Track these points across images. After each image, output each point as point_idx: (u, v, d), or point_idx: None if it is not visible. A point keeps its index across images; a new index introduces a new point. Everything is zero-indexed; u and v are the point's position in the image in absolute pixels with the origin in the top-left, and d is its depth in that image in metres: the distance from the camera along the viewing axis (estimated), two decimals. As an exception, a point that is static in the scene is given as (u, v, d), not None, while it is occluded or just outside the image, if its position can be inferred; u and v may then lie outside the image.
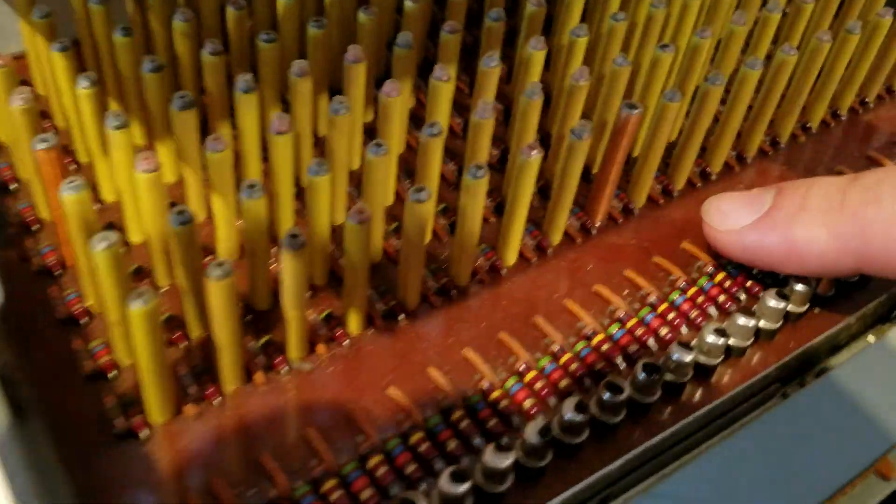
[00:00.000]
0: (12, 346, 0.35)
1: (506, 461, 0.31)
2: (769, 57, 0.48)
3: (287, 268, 0.33)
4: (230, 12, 0.44)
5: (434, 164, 0.39)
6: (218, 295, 0.31)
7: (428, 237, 0.42)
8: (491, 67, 0.43)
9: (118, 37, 0.40)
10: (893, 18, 0.50)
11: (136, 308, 0.29)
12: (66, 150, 0.43)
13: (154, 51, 0.45)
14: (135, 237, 0.40)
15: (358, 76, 0.41)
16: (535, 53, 0.44)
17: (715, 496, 0.34)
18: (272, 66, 0.42)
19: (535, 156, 0.38)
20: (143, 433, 0.33)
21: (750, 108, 0.47)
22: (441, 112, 0.42)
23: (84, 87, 0.38)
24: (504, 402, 0.35)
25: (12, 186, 0.42)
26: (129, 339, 0.32)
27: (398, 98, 0.40)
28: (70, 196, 0.32)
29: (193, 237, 0.33)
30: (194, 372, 0.35)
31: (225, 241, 0.39)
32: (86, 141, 0.41)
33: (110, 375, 0.35)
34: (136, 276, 0.39)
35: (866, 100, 0.54)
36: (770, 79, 0.46)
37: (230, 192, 0.37)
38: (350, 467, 0.33)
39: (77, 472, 0.32)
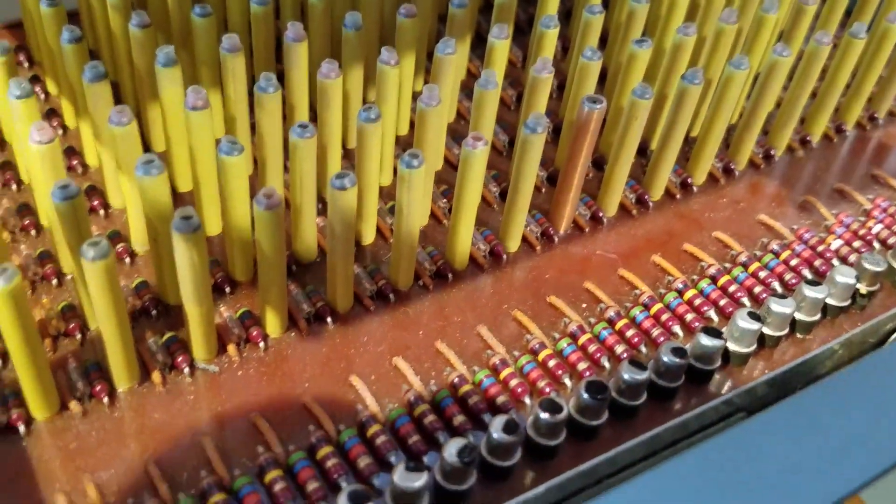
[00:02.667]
0: None
1: (417, 482, 0.27)
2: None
3: (183, 255, 0.29)
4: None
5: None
6: (96, 279, 0.28)
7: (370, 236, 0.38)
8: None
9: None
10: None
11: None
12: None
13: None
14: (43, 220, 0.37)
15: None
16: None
17: None
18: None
19: (481, 147, 0.34)
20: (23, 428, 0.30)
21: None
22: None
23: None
24: (429, 418, 0.31)
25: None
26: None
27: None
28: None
29: (81, 214, 0.29)
30: (86, 368, 0.32)
31: (135, 230, 0.36)
32: None
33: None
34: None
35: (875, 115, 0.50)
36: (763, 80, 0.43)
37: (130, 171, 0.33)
38: (241, 482, 0.29)
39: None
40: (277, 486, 0.28)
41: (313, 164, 0.34)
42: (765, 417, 0.32)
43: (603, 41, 0.48)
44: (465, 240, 0.37)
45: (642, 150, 0.44)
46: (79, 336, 0.33)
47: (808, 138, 0.48)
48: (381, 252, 0.38)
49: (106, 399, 0.31)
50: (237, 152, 0.32)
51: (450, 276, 0.37)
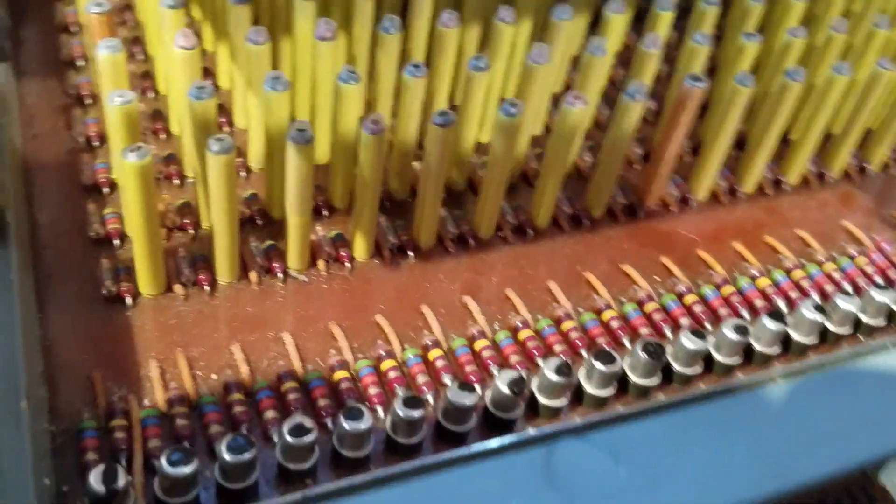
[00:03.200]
0: (34, 188, 0.36)
1: (467, 400, 0.30)
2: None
3: (292, 164, 0.32)
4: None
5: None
6: (216, 171, 0.31)
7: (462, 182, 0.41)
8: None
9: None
10: None
11: (131, 161, 0.30)
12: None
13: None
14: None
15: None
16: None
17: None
18: None
19: (579, 106, 0.36)
20: (130, 300, 0.33)
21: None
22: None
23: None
24: (487, 353, 0.33)
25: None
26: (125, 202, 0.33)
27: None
28: (105, 55, 0.33)
29: (210, 114, 0.33)
30: (193, 258, 0.35)
31: (255, 144, 0.39)
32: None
33: (115, 243, 0.35)
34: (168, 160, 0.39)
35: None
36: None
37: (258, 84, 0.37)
38: (312, 376, 0.32)
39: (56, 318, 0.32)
40: (343, 385, 0.31)
41: (419, 103, 0.37)
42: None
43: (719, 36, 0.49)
44: (550, 199, 0.39)
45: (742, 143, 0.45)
46: (191, 231, 0.36)
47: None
48: (470, 202, 0.40)
49: (207, 287, 0.34)
50: (354, 81, 0.35)
51: (530, 232, 0.39)
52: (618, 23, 0.42)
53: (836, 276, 0.39)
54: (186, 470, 0.26)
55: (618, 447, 0.31)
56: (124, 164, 0.30)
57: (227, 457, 0.27)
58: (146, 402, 0.30)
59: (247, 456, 0.27)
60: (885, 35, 0.45)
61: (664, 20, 0.44)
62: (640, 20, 0.46)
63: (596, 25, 0.45)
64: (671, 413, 0.33)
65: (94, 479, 0.25)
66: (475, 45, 0.43)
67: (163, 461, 0.26)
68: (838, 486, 0.39)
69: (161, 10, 0.36)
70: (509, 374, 0.31)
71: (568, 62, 0.47)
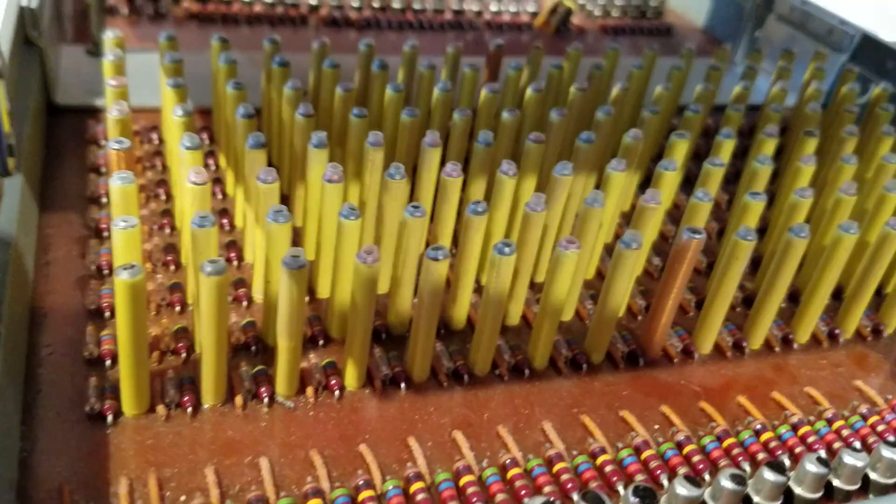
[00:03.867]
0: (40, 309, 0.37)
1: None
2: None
3: (284, 288, 0.33)
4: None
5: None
6: (208, 292, 0.32)
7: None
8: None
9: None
10: None
11: (122, 279, 0.30)
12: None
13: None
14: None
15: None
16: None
17: None
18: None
19: (573, 250, 0.36)
20: (110, 418, 0.33)
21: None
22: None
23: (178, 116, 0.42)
24: (472, 489, 0.32)
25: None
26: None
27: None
28: (118, 185, 0.35)
29: (211, 241, 0.34)
30: (181, 380, 0.35)
31: (257, 276, 0.40)
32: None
33: (107, 363, 0.36)
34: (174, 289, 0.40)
35: None
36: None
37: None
38: (284, 502, 0.30)
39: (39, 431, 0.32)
40: (316, 517, 0.30)
41: (419, 241, 0.37)
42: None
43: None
44: (547, 341, 0.39)
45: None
46: (184, 355, 0.36)
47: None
48: (468, 340, 0.40)
49: (190, 409, 0.34)
50: (354, 217, 0.36)
51: (527, 371, 0.39)
52: (618, 180, 0.43)
53: (846, 433, 0.38)
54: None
55: None
56: (116, 282, 0.31)
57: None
58: (110, 518, 0.29)
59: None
60: (893, 197, 0.45)
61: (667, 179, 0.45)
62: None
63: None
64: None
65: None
66: (481, 194, 0.45)
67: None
68: None
69: (180, 150, 0.39)
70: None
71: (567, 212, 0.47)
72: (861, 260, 0.44)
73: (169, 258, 0.42)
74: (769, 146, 0.50)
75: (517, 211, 0.44)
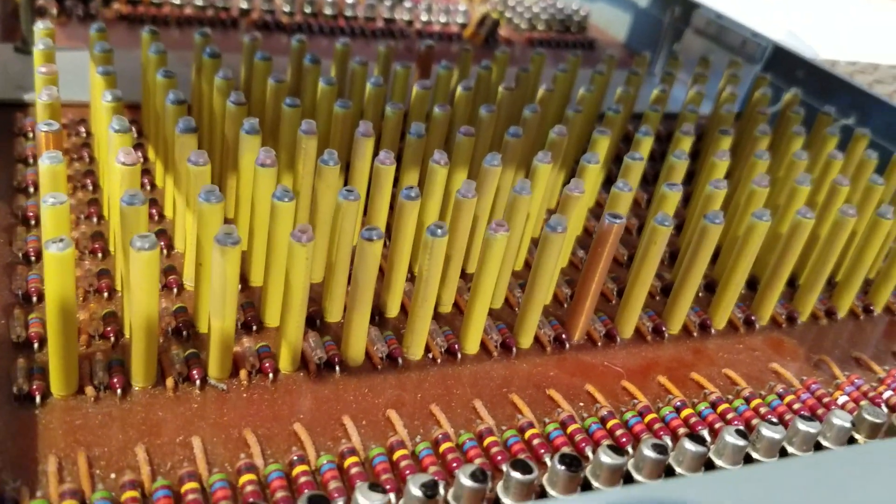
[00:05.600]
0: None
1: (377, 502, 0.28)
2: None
3: (217, 266, 0.33)
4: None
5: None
6: (138, 266, 0.32)
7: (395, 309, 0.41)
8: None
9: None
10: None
11: (52, 252, 0.30)
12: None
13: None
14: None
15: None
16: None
17: None
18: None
19: (502, 233, 0.37)
20: (38, 399, 0.33)
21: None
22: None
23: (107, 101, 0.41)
24: (405, 462, 0.33)
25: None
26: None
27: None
28: (47, 165, 0.34)
29: (141, 219, 0.34)
30: (110, 362, 0.35)
31: (188, 263, 0.40)
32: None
33: (35, 345, 0.35)
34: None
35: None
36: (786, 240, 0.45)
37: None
38: (216, 477, 0.30)
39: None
40: (248, 489, 0.30)
41: (353, 224, 0.38)
42: None
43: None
44: (478, 326, 0.40)
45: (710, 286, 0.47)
46: (112, 339, 0.36)
47: (833, 310, 0.49)
48: (402, 326, 0.41)
49: (119, 391, 0.34)
50: (287, 199, 0.36)
51: (459, 355, 0.40)
52: (544, 172, 0.45)
53: (763, 410, 0.39)
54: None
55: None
56: (45, 255, 0.30)
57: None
58: (38, 493, 0.29)
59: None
60: (806, 190, 0.48)
61: (592, 172, 0.46)
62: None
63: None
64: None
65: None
66: (414, 182, 0.45)
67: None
68: None
69: (110, 133, 0.38)
70: (422, 478, 0.30)
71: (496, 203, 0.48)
72: (774, 250, 0.47)
73: (96, 245, 0.42)
74: (685, 143, 0.52)
75: (449, 201, 0.45)
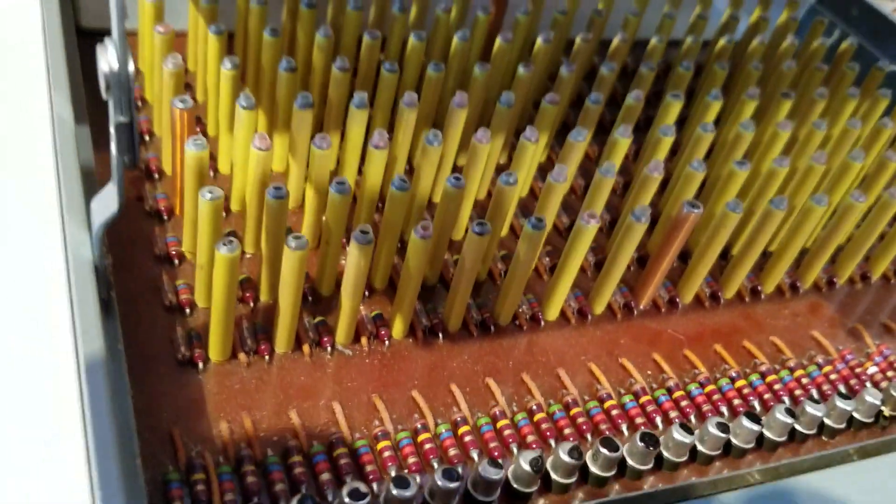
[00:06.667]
0: (113, 257, 0.41)
1: (496, 475, 0.35)
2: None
3: (352, 259, 0.38)
4: (366, 40, 0.50)
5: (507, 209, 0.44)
6: (291, 263, 0.36)
7: (484, 274, 0.46)
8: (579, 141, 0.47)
9: (266, 36, 0.47)
10: None
11: (223, 253, 0.35)
12: (198, 121, 0.50)
13: (293, 55, 0.51)
14: (235, 206, 0.46)
15: (458, 119, 0.46)
16: (620, 140, 0.49)
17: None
18: (388, 92, 0.48)
19: (593, 224, 0.42)
20: (201, 365, 0.38)
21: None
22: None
23: (227, 69, 0.44)
24: (508, 432, 0.39)
25: (146, 138, 0.49)
26: (209, 281, 0.38)
27: (486, 145, 0.45)
28: (192, 151, 0.38)
29: (283, 212, 0.38)
30: (255, 329, 0.40)
31: (308, 228, 0.44)
32: (217, 116, 0.47)
33: (187, 311, 0.40)
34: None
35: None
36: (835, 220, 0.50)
37: (324, 186, 0.42)
38: (361, 443, 0.37)
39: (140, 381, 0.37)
40: (385, 454, 0.36)
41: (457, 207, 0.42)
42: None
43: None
44: (561, 295, 0.45)
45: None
46: (251, 304, 0.41)
47: (868, 274, 0.54)
48: (490, 294, 0.46)
49: (267, 357, 0.39)
50: (406, 188, 0.40)
51: (542, 322, 0.45)
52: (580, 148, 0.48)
53: (805, 381, 0.45)
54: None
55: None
56: (217, 256, 0.35)
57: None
58: (220, 459, 0.35)
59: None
60: (857, 167, 0.52)
61: (620, 147, 0.50)
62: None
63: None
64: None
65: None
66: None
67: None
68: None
69: (238, 110, 0.42)
70: (530, 454, 0.36)
71: (532, 175, 0.52)
72: (821, 223, 0.51)
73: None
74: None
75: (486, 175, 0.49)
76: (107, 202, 0.33)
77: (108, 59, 0.29)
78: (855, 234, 0.52)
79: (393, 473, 0.36)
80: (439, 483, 0.34)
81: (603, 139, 0.52)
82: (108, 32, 0.29)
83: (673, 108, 0.53)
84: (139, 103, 0.51)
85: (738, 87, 0.60)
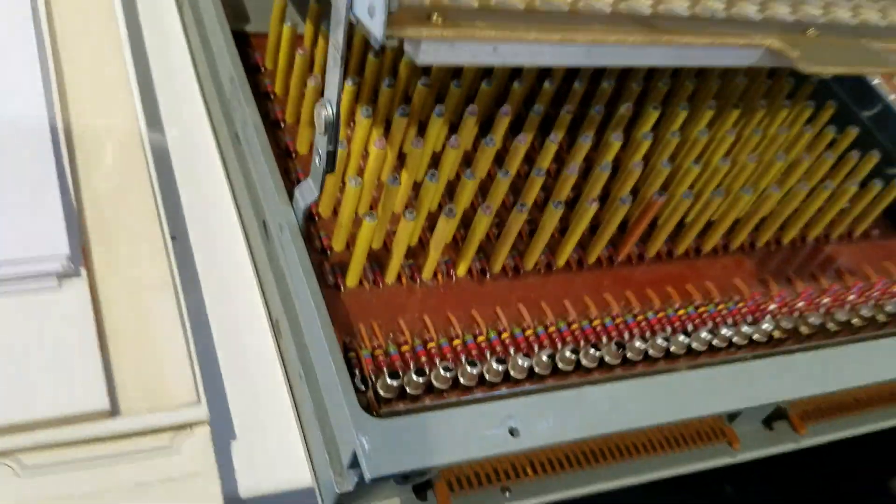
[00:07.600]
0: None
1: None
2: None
3: (440, 226, 0.59)
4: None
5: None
6: (402, 229, 0.58)
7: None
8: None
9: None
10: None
11: (368, 222, 0.56)
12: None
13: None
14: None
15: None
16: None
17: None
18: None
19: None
20: (342, 289, 0.60)
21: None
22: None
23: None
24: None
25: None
26: (349, 235, 0.59)
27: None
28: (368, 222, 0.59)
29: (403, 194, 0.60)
30: (372, 263, 0.62)
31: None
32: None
33: (329, 253, 0.62)
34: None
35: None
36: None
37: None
38: (464, 338, 0.59)
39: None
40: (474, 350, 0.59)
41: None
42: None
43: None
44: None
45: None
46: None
47: (780, 240, 0.77)
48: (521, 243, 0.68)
49: (381, 285, 0.61)
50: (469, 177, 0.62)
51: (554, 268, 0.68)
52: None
53: (724, 312, 0.68)
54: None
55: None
56: (364, 224, 0.57)
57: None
58: (361, 347, 0.57)
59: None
60: (779, 165, 0.74)
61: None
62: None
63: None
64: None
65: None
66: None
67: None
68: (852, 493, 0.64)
69: (361, 119, 0.63)
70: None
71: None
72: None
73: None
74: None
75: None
76: (306, 192, 0.55)
77: (328, 112, 0.50)
78: (775, 209, 0.75)
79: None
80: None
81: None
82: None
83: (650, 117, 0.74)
84: (272, 96, 0.72)
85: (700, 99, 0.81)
